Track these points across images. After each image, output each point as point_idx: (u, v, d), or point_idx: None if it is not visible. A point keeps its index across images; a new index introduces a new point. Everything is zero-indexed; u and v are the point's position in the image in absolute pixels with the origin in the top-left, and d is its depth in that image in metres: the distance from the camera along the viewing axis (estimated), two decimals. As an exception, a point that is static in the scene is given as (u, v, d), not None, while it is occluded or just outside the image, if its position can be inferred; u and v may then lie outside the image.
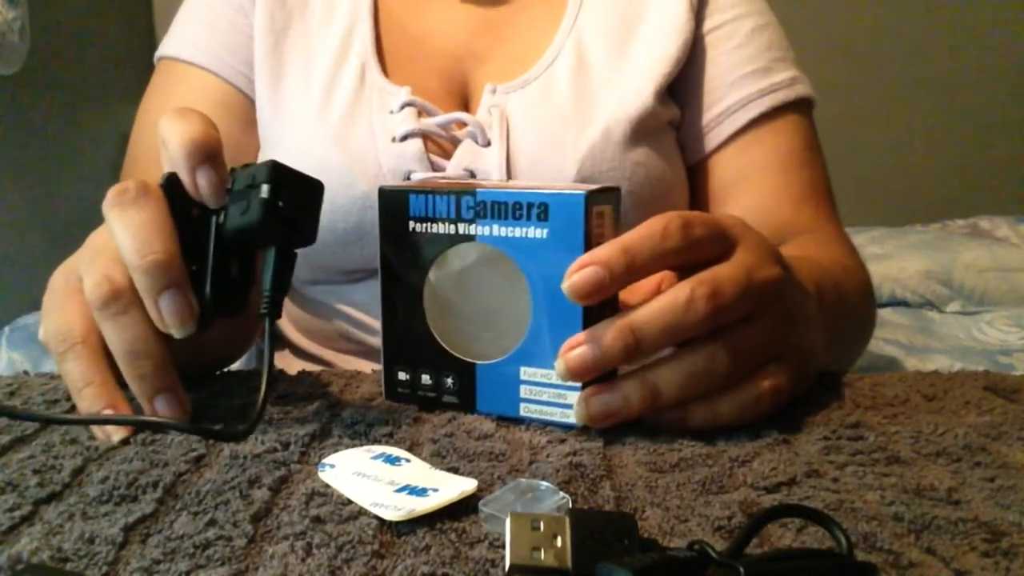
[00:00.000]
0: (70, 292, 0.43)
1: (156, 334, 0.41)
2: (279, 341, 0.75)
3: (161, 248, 0.40)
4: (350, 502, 0.34)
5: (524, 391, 0.43)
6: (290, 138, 0.67)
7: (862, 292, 0.67)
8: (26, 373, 0.54)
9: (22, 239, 1.36)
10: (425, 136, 0.65)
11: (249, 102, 0.71)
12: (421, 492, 0.34)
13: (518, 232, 0.42)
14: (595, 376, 0.40)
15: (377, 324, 0.67)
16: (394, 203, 0.45)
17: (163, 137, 0.43)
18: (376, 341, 0.68)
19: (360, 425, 0.43)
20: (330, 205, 0.63)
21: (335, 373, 0.53)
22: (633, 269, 0.39)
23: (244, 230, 0.41)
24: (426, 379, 0.46)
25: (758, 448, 0.40)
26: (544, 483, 0.34)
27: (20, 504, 0.34)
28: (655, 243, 0.39)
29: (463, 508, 0.34)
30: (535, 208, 0.42)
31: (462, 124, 0.66)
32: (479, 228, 0.43)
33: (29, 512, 0.34)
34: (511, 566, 0.28)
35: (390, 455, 0.38)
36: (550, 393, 0.43)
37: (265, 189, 0.40)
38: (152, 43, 1.82)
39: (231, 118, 0.70)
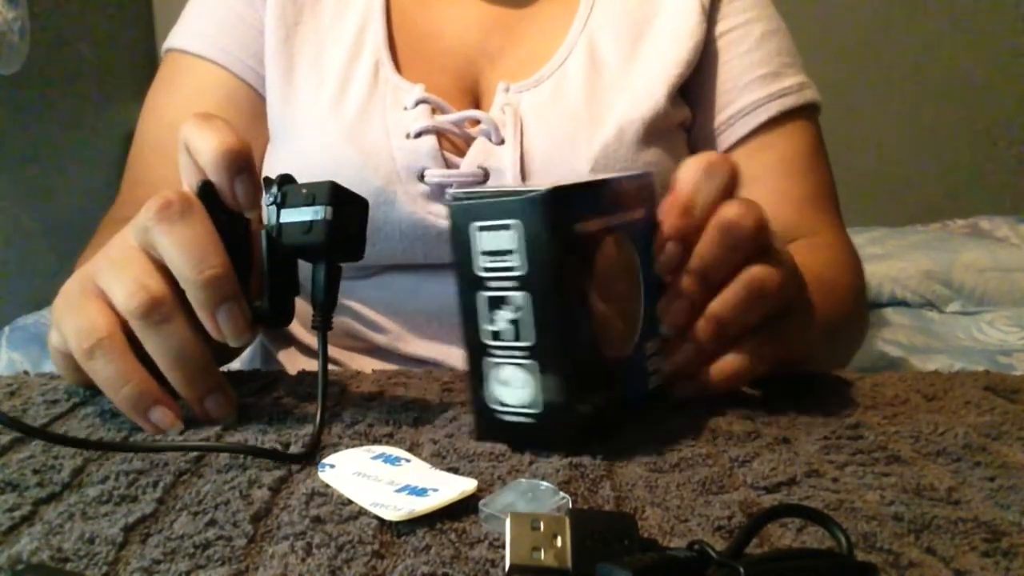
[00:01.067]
0: (87, 295, 0.43)
1: (199, 338, 0.42)
2: (284, 339, 0.75)
3: (218, 262, 0.41)
4: (350, 502, 0.34)
5: (650, 364, 0.44)
6: (302, 133, 0.67)
7: (842, 303, 0.67)
8: (26, 373, 0.54)
9: (22, 239, 1.36)
10: (439, 133, 0.65)
11: (257, 96, 0.71)
12: (421, 492, 0.34)
13: (631, 216, 0.42)
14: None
15: (384, 321, 0.67)
16: (561, 204, 0.38)
17: (191, 145, 0.43)
18: (382, 339, 0.68)
19: (360, 425, 0.43)
20: None
21: (335, 373, 0.53)
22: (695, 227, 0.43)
23: (304, 247, 0.42)
24: (596, 399, 0.40)
25: (758, 448, 0.40)
26: (544, 483, 0.34)
27: (20, 504, 0.34)
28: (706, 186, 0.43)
29: (463, 508, 0.34)
30: (629, 192, 0.43)
31: (475, 122, 0.66)
32: (615, 218, 0.41)
33: (29, 512, 0.34)
34: (511, 566, 0.28)
35: (390, 455, 0.38)
36: (660, 359, 0.44)
37: (329, 211, 0.41)
38: (152, 43, 1.83)
39: (239, 112, 0.70)
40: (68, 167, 1.49)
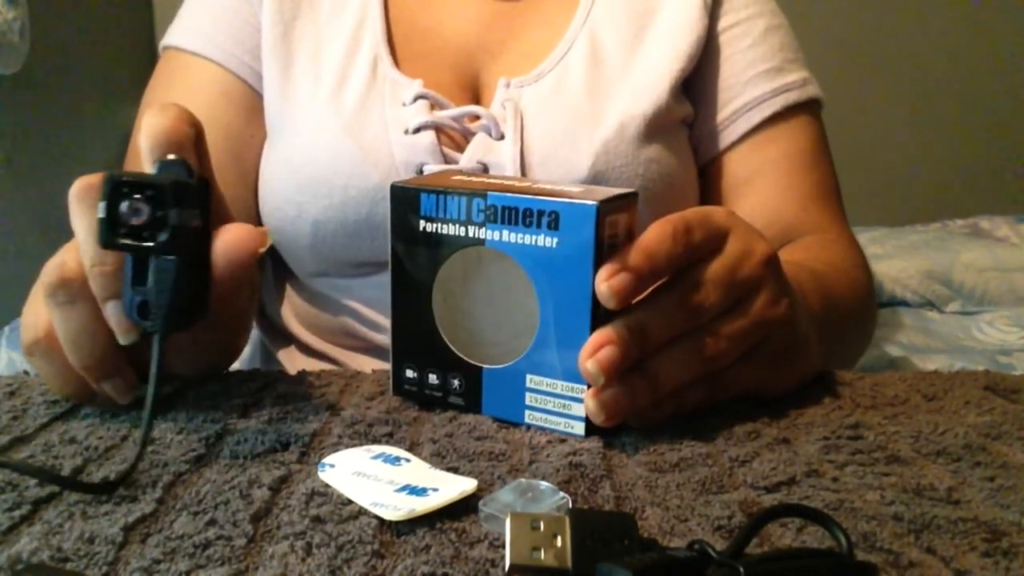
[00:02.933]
0: (38, 285, 0.44)
1: (100, 326, 0.42)
2: (284, 337, 0.75)
3: (110, 260, 0.40)
4: (350, 502, 0.34)
5: (529, 398, 0.43)
6: (300, 128, 0.67)
7: (857, 296, 0.67)
8: (26, 373, 0.54)
9: (22, 239, 1.36)
10: (438, 128, 0.65)
11: (254, 93, 0.71)
12: (421, 492, 0.34)
13: (528, 239, 0.41)
14: (620, 372, 0.40)
15: (384, 321, 0.68)
16: (405, 201, 0.44)
17: (140, 133, 0.43)
18: (382, 338, 0.68)
19: (360, 425, 0.43)
20: (342, 196, 0.64)
21: (335, 373, 0.53)
22: (655, 274, 0.40)
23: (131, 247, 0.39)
24: (433, 379, 0.45)
25: (758, 448, 0.40)
26: (544, 483, 0.34)
27: (20, 504, 0.34)
28: (668, 247, 0.41)
29: (463, 508, 0.34)
30: (546, 216, 0.41)
31: (474, 117, 0.66)
32: (489, 232, 0.42)
33: (29, 512, 0.34)
34: (511, 566, 0.28)
35: (390, 455, 0.38)
36: (555, 403, 0.43)
37: (101, 206, 0.38)
38: (152, 43, 1.82)
39: (235, 109, 0.70)
40: (68, 167, 1.49)
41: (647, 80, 0.68)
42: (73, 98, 1.52)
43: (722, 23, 0.73)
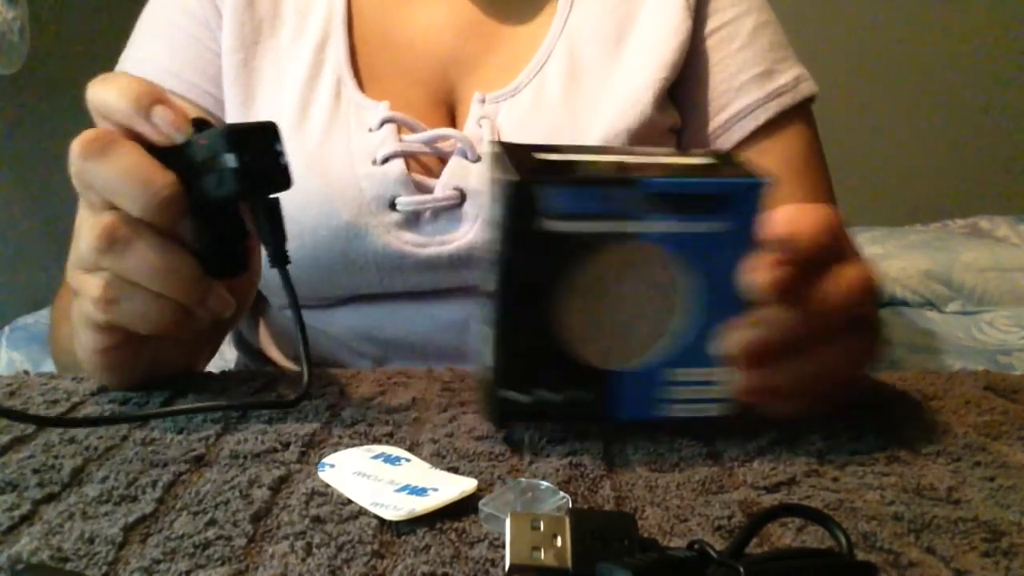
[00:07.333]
0: (76, 276, 0.43)
1: (175, 249, 0.41)
2: (263, 363, 0.73)
3: (164, 182, 0.40)
4: (350, 502, 0.34)
5: (672, 392, 0.40)
6: None
7: None
8: (26, 373, 0.54)
9: (22, 239, 1.36)
10: (408, 155, 0.62)
11: (219, 122, 0.66)
12: (421, 492, 0.34)
13: (693, 227, 0.38)
14: (765, 356, 0.39)
15: (364, 347, 0.65)
16: (523, 198, 0.37)
17: (99, 103, 0.43)
18: (363, 363, 0.65)
19: (360, 425, 0.43)
20: (312, 236, 0.60)
21: (335, 373, 0.53)
22: (811, 264, 0.38)
23: (227, 198, 0.42)
24: (548, 395, 0.40)
25: (758, 448, 0.40)
26: (544, 483, 0.34)
27: (20, 504, 0.34)
28: (825, 239, 0.38)
29: (463, 508, 0.34)
30: (715, 199, 0.37)
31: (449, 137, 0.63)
32: (643, 225, 0.37)
33: (29, 512, 0.34)
34: (511, 566, 0.28)
35: (390, 455, 0.38)
36: (701, 391, 0.40)
37: (231, 159, 0.40)
38: (152, 43, 1.83)
39: None
40: (68, 167, 1.49)
41: (629, 92, 0.65)
42: (73, 98, 1.52)
43: (709, 25, 0.69)
